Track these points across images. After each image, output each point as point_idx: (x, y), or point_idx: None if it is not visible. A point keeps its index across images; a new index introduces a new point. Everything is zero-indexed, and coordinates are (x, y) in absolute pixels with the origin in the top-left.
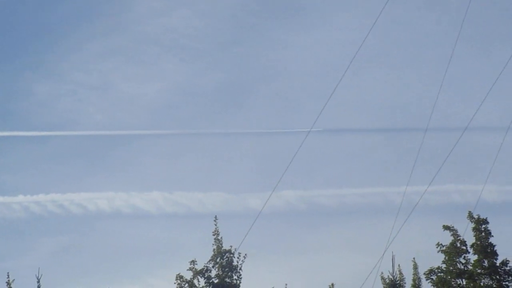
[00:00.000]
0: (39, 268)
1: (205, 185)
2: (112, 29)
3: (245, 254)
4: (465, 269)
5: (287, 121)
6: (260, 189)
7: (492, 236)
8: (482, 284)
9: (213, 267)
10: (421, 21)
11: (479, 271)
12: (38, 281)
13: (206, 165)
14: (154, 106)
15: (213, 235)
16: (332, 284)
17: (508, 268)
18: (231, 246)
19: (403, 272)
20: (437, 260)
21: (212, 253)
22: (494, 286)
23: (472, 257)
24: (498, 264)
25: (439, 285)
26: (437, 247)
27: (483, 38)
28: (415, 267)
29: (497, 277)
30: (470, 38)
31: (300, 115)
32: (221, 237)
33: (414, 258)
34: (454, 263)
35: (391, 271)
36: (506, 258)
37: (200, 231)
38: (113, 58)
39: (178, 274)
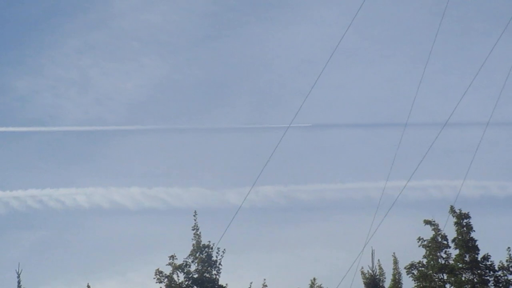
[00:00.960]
0: (19, 263)
1: (184, 180)
2: (92, 25)
3: (224, 249)
4: (446, 263)
5: (267, 116)
6: (239, 185)
7: (474, 230)
8: (463, 278)
9: (192, 262)
10: (401, 17)
11: (460, 265)
12: (18, 276)
13: (185, 160)
14: (133, 102)
15: (193, 230)
16: (314, 279)
17: (489, 262)
18: (209, 241)
19: (383, 267)
20: (417, 255)
21: (192, 248)
22: (475, 280)
23: (453, 252)
24: (479, 259)
25: (420, 280)
26: (418, 242)
27: (463, 34)
28: (395, 262)
29: (479, 271)
30: (449, 34)
31: (279, 110)
32: (200, 232)
33: (394, 253)
34: (435, 257)
35: (371, 266)
36: (487, 253)
37: (179, 227)
38: (93, 54)
39: (157, 269)
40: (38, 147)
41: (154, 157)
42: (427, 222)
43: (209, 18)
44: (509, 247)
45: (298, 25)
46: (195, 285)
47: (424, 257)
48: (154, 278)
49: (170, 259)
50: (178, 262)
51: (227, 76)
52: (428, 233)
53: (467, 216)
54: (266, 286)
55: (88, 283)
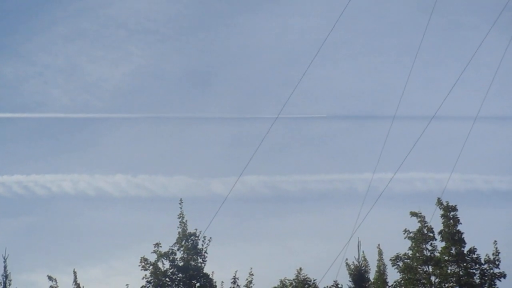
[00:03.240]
0: (5, 248)
1: (169, 169)
2: (79, 12)
3: (210, 238)
4: (432, 256)
5: (254, 107)
6: (224, 174)
7: (461, 223)
8: (448, 271)
9: (178, 250)
10: (390, 10)
11: (446, 258)
12: (5, 261)
13: (170, 149)
14: (119, 90)
15: (178, 218)
16: (300, 268)
17: (475, 256)
18: (196, 229)
19: (368, 259)
20: (402, 247)
21: (177, 236)
22: (461, 273)
23: (439, 244)
24: (465, 252)
25: (405, 272)
26: (404, 233)
27: (452, 27)
28: (380, 253)
29: (464, 264)
30: (438, 27)
31: (267, 101)
32: (186, 220)
33: (379, 245)
34: (421, 249)
35: (356, 257)
36: (473, 246)
37: (164, 215)
38: (79, 41)
39: (143, 257)
40: (25, 133)
41: (139, 145)
42: (413, 214)
43: (197, 7)
44: (495, 241)
45: (287, 16)
46: (180, 273)
47: (410, 249)
48: (139, 266)
49: (155, 247)
50: (163, 250)
51: (215, 65)
52: (414, 225)
53: (454, 208)
54: (252, 275)
55: (74, 269)
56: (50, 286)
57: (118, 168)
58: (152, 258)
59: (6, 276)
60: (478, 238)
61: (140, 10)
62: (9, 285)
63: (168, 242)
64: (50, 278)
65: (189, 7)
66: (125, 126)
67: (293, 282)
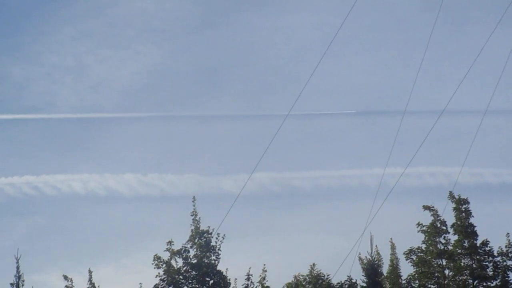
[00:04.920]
0: (18, 248)
1: (179, 167)
2: (87, 12)
3: (224, 235)
4: (445, 249)
5: (264, 104)
6: (234, 172)
7: (473, 216)
8: (462, 264)
9: (191, 247)
10: (398, 5)
11: (459, 251)
12: (17, 262)
13: (180, 147)
14: (128, 89)
15: (191, 215)
16: (314, 264)
17: (488, 248)
18: (209, 227)
19: (381, 253)
20: (415, 241)
21: (190, 233)
22: (474, 266)
23: (452, 238)
24: (478, 245)
25: (419, 265)
26: (417, 227)
27: (461, 21)
28: (393, 247)
29: (477, 257)
30: (448, 22)
31: (277, 98)
32: (199, 218)
33: (391, 239)
34: (434, 243)
35: (369, 251)
36: (486, 239)
37: (175, 213)
38: (88, 41)
39: (156, 255)
40: (34, 134)
41: (149, 144)
42: (426, 207)
43: (204, 5)
44: (508, 233)
45: (296, 12)
46: (194, 270)
47: (423, 242)
48: (152, 264)
49: (167, 245)
50: (176, 248)
51: (223, 63)
52: (427, 218)
53: (466, 201)
54: (265, 271)
55: (89, 268)
56: (66, 286)
57: (128, 167)
58: (165, 256)
59: (19, 276)
60: (490, 231)
61: (148, 9)
62: (22, 285)
63: (180, 241)
64: (65, 277)
65: (197, 5)
66: (134, 125)
67: (307, 278)
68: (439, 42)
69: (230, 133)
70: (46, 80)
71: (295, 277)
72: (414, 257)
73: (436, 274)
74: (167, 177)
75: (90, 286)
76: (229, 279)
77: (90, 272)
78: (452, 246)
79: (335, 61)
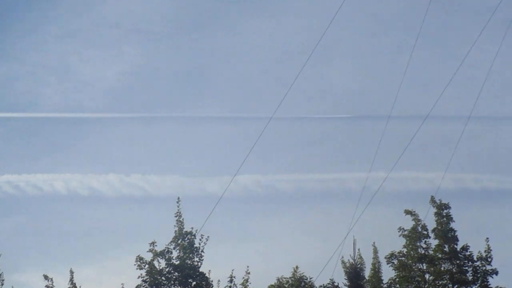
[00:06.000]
0: None
1: (163, 168)
2: (72, 12)
3: (207, 236)
4: (426, 253)
5: (248, 107)
6: (218, 174)
7: (454, 221)
8: (442, 268)
9: (174, 248)
10: (384, 9)
11: (439, 255)
12: None
13: (164, 148)
14: (112, 89)
15: (175, 216)
16: (297, 267)
17: (468, 253)
18: (192, 228)
19: (363, 257)
20: (396, 245)
21: (174, 234)
22: (454, 270)
23: (433, 242)
24: (458, 249)
25: (400, 269)
26: (398, 231)
27: (447, 27)
28: (375, 251)
29: (457, 262)
30: (433, 27)
31: (262, 101)
32: (183, 219)
33: (374, 243)
34: (415, 247)
35: (352, 255)
36: (466, 244)
37: (157, 215)
38: (72, 40)
39: (138, 256)
40: (17, 133)
41: (133, 144)
42: (407, 212)
43: (191, 7)
44: (487, 238)
45: (282, 16)
46: (176, 272)
47: (404, 246)
48: (135, 265)
49: (150, 246)
50: (159, 249)
51: (209, 65)
52: (408, 223)
53: (447, 206)
54: (248, 273)
55: (71, 268)
56: (46, 286)
57: (111, 167)
58: (148, 257)
59: None
60: (471, 235)
61: (134, 9)
62: (2, 285)
63: (162, 242)
64: (46, 277)
65: (184, 7)
66: (118, 125)
67: (290, 280)
68: (424, 47)
69: (214, 135)
70: (29, 79)
71: (278, 279)
72: (395, 261)
73: (416, 279)
74: (151, 178)
75: (71, 286)
76: (212, 281)
77: (71, 272)
78: (432, 250)
79: (320, 65)
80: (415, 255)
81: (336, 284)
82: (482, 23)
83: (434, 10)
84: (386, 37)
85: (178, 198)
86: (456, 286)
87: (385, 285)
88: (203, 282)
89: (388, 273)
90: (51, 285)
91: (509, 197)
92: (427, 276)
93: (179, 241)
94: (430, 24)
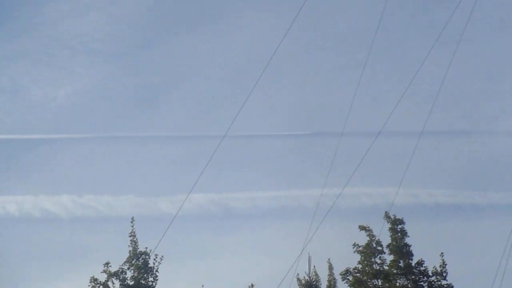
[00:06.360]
0: None
1: (116, 188)
2: (22, 32)
3: (162, 256)
4: (381, 269)
5: (202, 125)
6: (171, 193)
7: (408, 236)
8: (397, 284)
9: (128, 269)
10: (336, 25)
11: (394, 271)
12: None
13: (117, 168)
14: (64, 110)
15: (130, 236)
16: (252, 285)
17: (423, 268)
18: (146, 248)
19: (319, 273)
20: (352, 261)
21: (128, 255)
22: (410, 286)
23: (388, 258)
24: (413, 265)
25: (355, 286)
26: (353, 247)
27: (399, 42)
28: (330, 268)
29: (413, 277)
30: (384, 43)
31: (215, 119)
32: (137, 239)
33: (329, 259)
34: (370, 263)
35: (307, 272)
36: (421, 259)
37: (112, 235)
38: (23, 61)
39: (92, 277)
40: None
41: (85, 165)
42: (362, 228)
43: (141, 26)
44: (442, 253)
45: (232, 33)
46: None
47: (359, 263)
48: (89, 286)
49: (104, 267)
50: (113, 269)
51: (161, 84)
52: (363, 239)
53: (401, 221)
54: None
55: None
56: None
57: (63, 188)
58: (102, 278)
59: None
60: (425, 250)
61: (85, 29)
62: None
63: (116, 262)
64: None
65: (134, 26)
66: (71, 146)
67: None
68: (376, 62)
69: (167, 154)
70: None
71: None
72: (350, 278)
73: None
74: (104, 198)
75: None
76: None
77: None
78: (387, 266)
79: (273, 82)
80: (370, 271)
81: None
82: (434, 38)
83: (385, 26)
84: (338, 53)
85: (132, 218)
86: None
87: None
88: None
89: None
90: None
91: (462, 211)
92: None
93: (133, 261)
94: (382, 39)
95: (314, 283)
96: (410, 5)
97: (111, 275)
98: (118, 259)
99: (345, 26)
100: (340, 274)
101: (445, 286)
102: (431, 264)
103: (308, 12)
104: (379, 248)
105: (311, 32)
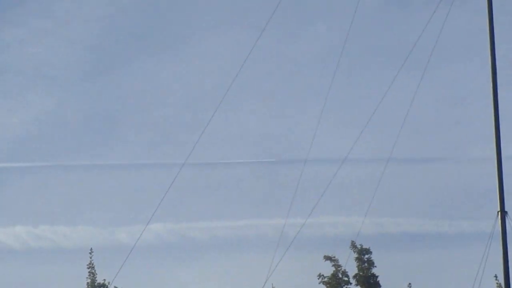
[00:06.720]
0: None
1: (72, 219)
2: None
3: None
4: None
5: (160, 153)
6: (128, 223)
7: (375, 266)
8: None
9: None
10: (298, 50)
11: None
12: None
13: (73, 198)
14: (18, 138)
15: (88, 268)
16: None
17: None
18: (105, 280)
19: None
20: None
21: (86, 287)
22: None
23: None
24: None
25: None
26: (318, 278)
27: (363, 67)
28: None
29: None
30: (349, 68)
31: (174, 147)
32: (95, 270)
33: None
34: None
35: None
36: None
37: (68, 267)
38: None
39: None
40: None
41: (40, 195)
42: (327, 258)
43: (97, 51)
44: (410, 283)
45: (191, 58)
46: None
47: None
48: None
49: None
50: None
51: (118, 111)
52: (328, 269)
53: (368, 251)
54: None
55: None
56: None
57: (17, 219)
58: None
59: None
60: (393, 281)
61: (38, 55)
62: None
63: None
64: None
65: (90, 52)
66: (24, 175)
67: None
68: (340, 89)
69: (125, 182)
70: None
71: None
72: None
73: None
74: (60, 229)
75: None
76: None
77: None
78: None
79: (234, 108)
80: None
81: None
82: (401, 61)
83: (350, 49)
84: (300, 79)
85: (91, 249)
86: None
87: None
88: None
89: None
90: None
91: (430, 240)
92: None
93: None
94: (346, 63)
95: None
96: (376, 28)
97: None
98: None
99: (308, 49)
100: None
101: None
102: None
103: (271, 36)
104: (346, 278)
105: (272, 56)
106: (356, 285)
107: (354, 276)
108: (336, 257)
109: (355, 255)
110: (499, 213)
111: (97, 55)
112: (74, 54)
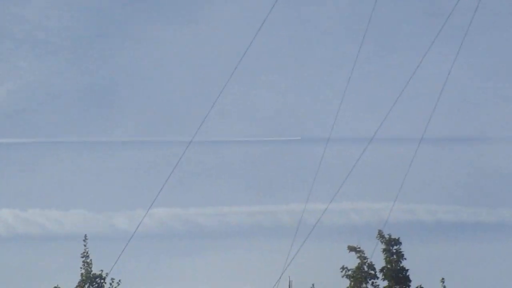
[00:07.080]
0: None
1: (65, 202)
2: None
3: (119, 280)
4: None
5: (164, 129)
6: (128, 207)
7: (405, 259)
8: None
9: None
10: (322, 13)
11: None
12: None
13: (66, 178)
14: (5, 110)
15: (82, 257)
16: None
17: None
18: (102, 271)
19: None
20: (340, 287)
21: (80, 278)
22: None
23: (382, 283)
24: None
25: None
26: (341, 271)
27: (394, 34)
28: None
29: None
30: (377, 37)
31: (180, 123)
32: (91, 260)
33: (313, 285)
34: None
35: None
36: (420, 285)
37: (60, 255)
38: None
39: None
40: None
41: (29, 175)
42: (351, 248)
43: (95, 14)
44: (443, 278)
45: (200, 24)
46: None
47: None
48: None
49: None
50: None
51: (117, 82)
52: (353, 261)
53: (397, 242)
54: None
55: None
56: None
57: (4, 201)
58: None
59: None
60: (425, 275)
61: (29, 17)
62: None
63: (68, 286)
64: None
65: (85, 15)
66: (12, 152)
67: None
68: (367, 61)
69: (125, 162)
70: None
71: None
72: None
73: None
74: (51, 213)
75: None
76: None
77: None
78: None
79: (247, 81)
80: None
81: None
82: (436, 29)
83: (379, 15)
84: (322, 48)
85: (85, 236)
86: None
87: None
88: None
89: None
90: None
91: (467, 230)
92: None
93: (86, 286)
94: (375, 31)
95: None
96: None
97: None
98: (69, 284)
99: (333, 14)
100: None
101: None
102: None
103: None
104: (372, 272)
105: (292, 22)
106: (383, 279)
107: (381, 270)
108: (362, 248)
109: (383, 246)
110: None
111: (94, 19)
112: (69, 16)
